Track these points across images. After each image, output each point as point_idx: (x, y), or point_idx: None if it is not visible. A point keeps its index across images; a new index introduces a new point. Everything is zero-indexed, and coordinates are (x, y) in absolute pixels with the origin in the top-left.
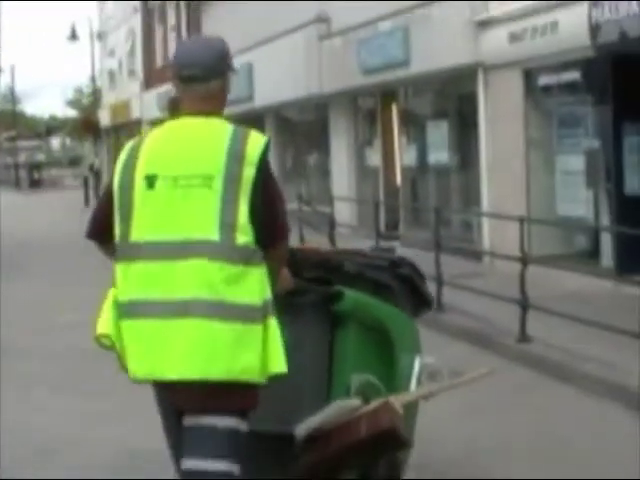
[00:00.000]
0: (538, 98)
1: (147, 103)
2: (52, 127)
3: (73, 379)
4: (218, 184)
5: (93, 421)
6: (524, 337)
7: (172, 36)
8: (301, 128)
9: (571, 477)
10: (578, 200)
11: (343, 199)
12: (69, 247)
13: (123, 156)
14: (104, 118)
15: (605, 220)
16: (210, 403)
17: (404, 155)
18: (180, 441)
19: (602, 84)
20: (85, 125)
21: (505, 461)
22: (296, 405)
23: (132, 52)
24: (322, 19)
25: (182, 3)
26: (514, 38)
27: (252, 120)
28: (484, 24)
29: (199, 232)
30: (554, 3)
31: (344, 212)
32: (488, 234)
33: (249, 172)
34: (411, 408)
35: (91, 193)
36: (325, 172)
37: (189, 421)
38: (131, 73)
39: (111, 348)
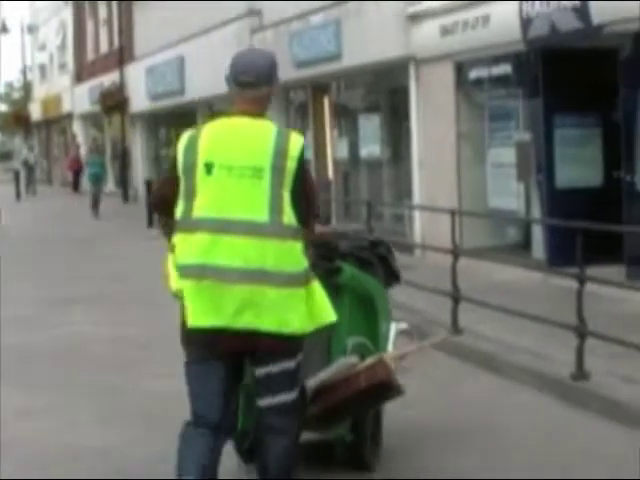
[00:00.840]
0: (469, 91)
1: (78, 97)
2: None
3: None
4: (267, 175)
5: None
6: (456, 329)
7: (103, 30)
8: None
9: (506, 465)
10: (509, 193)
11: None
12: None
13: (182, 144)
14: (35, 112)
15: (536, 212)
16: (271, 348)
17: (336, 148)
18: (219, 392)
19: (533, 77)
20: (16, 119)
21: (439, 451)
22: (306, 363)
23: (63, 46)
24: (254, 12)
25: None
26: (446, 31)
27: (184, 114)
28: (416, 17)
29: (252, 214)
30: None
31: None
32: (420, 227)
33: (291, 165)
34: None
35: (22, 188)
36: None
37: (260, 370)
38: (62, 67)
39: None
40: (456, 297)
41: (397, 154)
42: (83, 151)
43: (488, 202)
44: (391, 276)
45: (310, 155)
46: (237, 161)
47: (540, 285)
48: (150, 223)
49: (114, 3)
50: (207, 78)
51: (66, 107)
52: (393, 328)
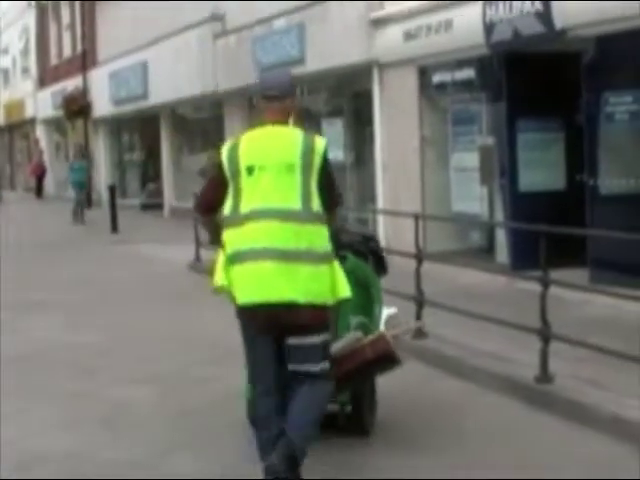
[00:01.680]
0: (433, 96)
1: (41, 102)
2: None
3: None
4: (297, 170)
5: None
6: (420, 333)
7: (66, 34)
8: (196, 126)
9: (470, 467)
10: (473, 197)
11: None
12: None
13: (226, 153)
14: None
15: (499, 216)
16: (309, 320)
17: None
18: (270, 361)
19: (496, 82)
20: None
21: (403, 451)
22: None
23: (26, 50)
24: (216, 17)
25: (76, 0)
26: (409, 36)
27: (147, 118)
28: (379, 22)
29: (288, 203)
30: (449, 2)
31: None
32: (383, 231)
33: (317, 160)
34: None
35: None
36: None
37: (294, 339)
38: (25, 71)
39: (223, 292)
40: (420, 301)
41: (361, 158)
42: (46, 156)
43: (452, 206)
44: (379, 267)
45: None
46: (273, 161)
47: (504, 289)
48: (114, 228)
49: (77, 8)
50: (170, 83)
51: (29, 112)
52: (384, 312)
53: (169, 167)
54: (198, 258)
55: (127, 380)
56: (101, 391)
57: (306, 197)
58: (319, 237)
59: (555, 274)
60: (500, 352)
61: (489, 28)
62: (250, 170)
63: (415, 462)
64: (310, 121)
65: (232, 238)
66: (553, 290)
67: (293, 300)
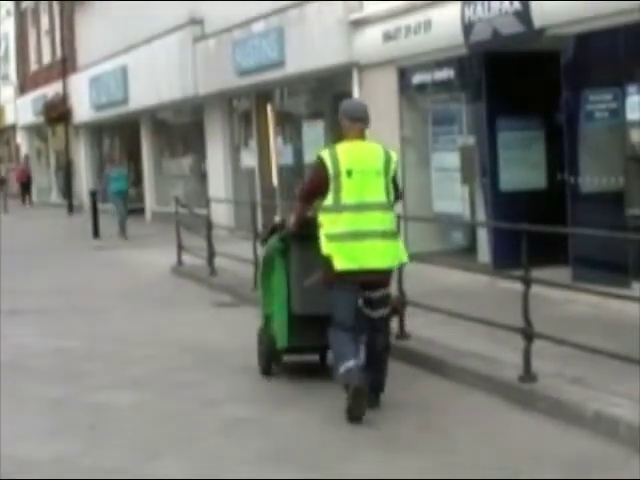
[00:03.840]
0: (413, 96)
1: (22, 108)
2: None
3: None
4: (382, 174)
5: None
6: (402, 334)
7: (46, 41)
8: (177, 130)
9: (455, 467)
10: (454, 196)
11: (220, 201)
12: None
13: (328, 160)
14: None
15: (481, 216)
16: (385, 281)
17: (280, 155)
18: (357, 309)
19: (476, 81)
20: None
21: (389, 454)
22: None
23: (5, 57)
24: (196, 21)
25: (55, 5)
26: (388, 37)
27: (127, 123)
28: (358, 23)
29: (378, 198)
30: (427, 2)
31: (221, 214)
32: None
33: (394, 167)
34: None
35: None
36: (201, 174)
37: (374, 293)
38: (5, 78)
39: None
40: (402, 302)
41: None
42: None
43: (433, 206)
44: None
45: (254, 163)
46: (367, 167)
47: (486, 288)
48: (96, 234)
49: (56, 13)
50: (151, 87)
51: (9, 118)
52: None
53: (150, 172)
54: (180, 262)
55: (110, 386)
56: (84, 396)
57: (387, 193)
58: (394, 220)
59: (537, 273)
60: (483, 352)
61: (468, 28)
62: (349, 173)
63: (399, 461)
64: (291, 124)
65: (332, 222)
66: (535, 289)
67: (391, 267)
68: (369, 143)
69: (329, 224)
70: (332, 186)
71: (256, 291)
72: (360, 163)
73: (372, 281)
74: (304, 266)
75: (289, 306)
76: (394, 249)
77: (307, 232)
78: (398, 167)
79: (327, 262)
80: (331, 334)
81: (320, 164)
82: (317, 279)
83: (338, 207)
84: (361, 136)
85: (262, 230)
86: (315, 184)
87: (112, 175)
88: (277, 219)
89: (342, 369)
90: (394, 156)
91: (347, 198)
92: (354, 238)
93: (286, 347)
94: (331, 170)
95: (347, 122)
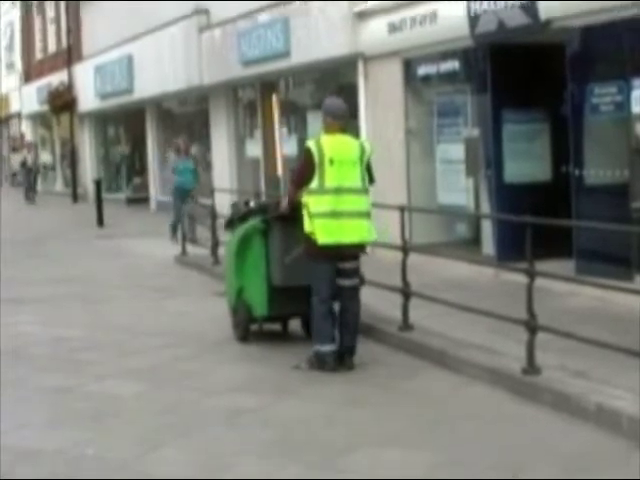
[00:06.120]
0: (418, 88)
1: (27, 96)
2: None
3: None
4: (358, 163)
5: None
6: (406, 325)
7: (51, 29)
8: (182, 120)
9: (459, 461)
10: (458, 188)
11: (224, 190)
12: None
13: (315, 149)
14: None
15: (485, 208)
16: (357, 254)
17: (285, 145)
18: (334, 279)
19: (481, 73)
20: None
21: (384, 452)
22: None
23: (11, 45)
24: (201, 11)
25: None
26: (393, 28)
27: (132, 112)
28: (363, 15)
29: (354, 183)
30: None
31: (226, 204)
32: None
33: (367, 157)
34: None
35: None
36: (206, 164)
37: (347, 264)
38: (10, 66)
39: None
40: (406, 293)
41: None
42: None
43: (437, 198)
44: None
45: (259, 153)
46: (346, 157)
47: (490, 280)
48: (100, 222)
49: (62, 2)
50: (156, 77)
51: (14, 107)
52: None
53: (155, 161)
54: (184, 252)
55: (112, 375)
56: (86, 386)
57: (363, 178)
58: (368, 203)
59: (541, 265)
60: (487, 344)
61: (474, 20)
62: (331, 161)
63: (402, 455)
64: (295, 114)
65: (316, 202)
66: (539, 281)
67: (363, 242)
68: (348, 137)
69: (314, 204)
70: (317, 172)
71: (219, 266)
72: (340, 154)
73: (347, 254)
74: (285, 244)
75: (268, 279)
76: (367, 227)
77: (289, 215)
78: (372, 157)
79: (310, 238)
80: (314, 306)
81: (308, 154)
82: (297, 255)
83: (322, 190)
84: (341, 131)
85: (231, 210)
86: (305, 171)
87: (179, 167)
88: (252, 204)
89: (321, 348)
90: (368, 148)
91: (329, 182)
92: (334, 216)
93: (266, 315)
94: (317, 159)
95: (330, 119)
